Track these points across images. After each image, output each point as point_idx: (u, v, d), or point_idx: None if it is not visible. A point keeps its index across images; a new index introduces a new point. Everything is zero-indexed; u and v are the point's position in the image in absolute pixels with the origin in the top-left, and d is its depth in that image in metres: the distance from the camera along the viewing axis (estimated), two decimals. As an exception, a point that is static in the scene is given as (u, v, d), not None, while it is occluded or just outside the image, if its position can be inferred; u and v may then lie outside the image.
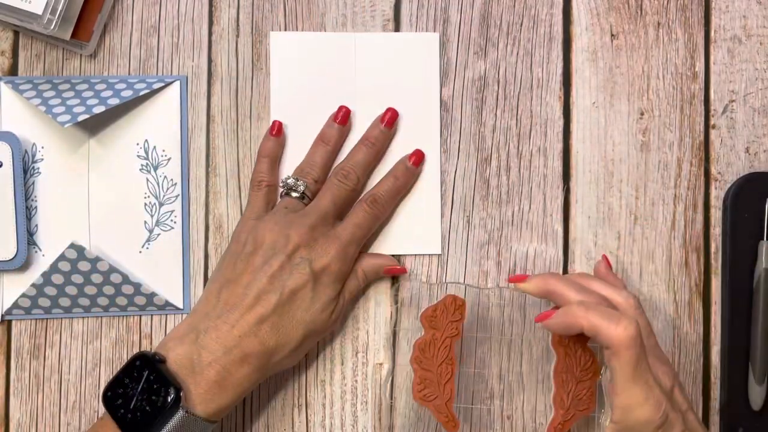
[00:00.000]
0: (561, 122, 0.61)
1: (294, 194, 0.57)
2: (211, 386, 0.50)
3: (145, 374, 0.49)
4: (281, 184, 0.58)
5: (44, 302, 0.58)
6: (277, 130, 0.58)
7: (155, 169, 0.59)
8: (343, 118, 0.58)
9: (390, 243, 0.59)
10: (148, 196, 0.59)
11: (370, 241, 0.59)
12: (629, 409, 0.48)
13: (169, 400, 0.48)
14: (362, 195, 0.58)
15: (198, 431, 0.49)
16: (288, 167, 0.59)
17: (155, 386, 0.48)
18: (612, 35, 0.61)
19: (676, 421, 0.49)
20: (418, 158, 0.58)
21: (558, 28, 0.61)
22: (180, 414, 0.48)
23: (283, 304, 0.52)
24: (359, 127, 0.59)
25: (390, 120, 0.58)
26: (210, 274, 0.59)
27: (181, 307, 0.59)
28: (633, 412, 0.48)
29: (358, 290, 0.57)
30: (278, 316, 0.52)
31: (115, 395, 0.50)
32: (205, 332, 0.51)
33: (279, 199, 0.58)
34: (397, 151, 0.59)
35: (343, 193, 0.56)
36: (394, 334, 0.60)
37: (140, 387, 0.49)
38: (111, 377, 0.51)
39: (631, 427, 0.48)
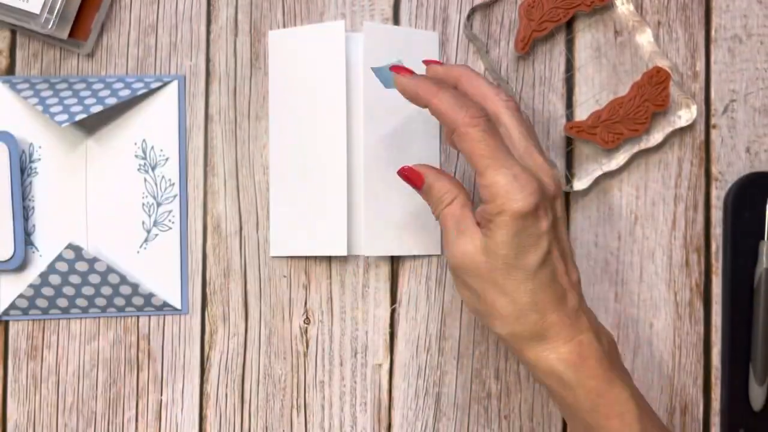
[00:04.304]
0: (563, 120, 0.60)
1: None
2: None
3: None
4: None
5: (42, 303, 0.57)
6: None
7: (153, 169, 0.59)
8: None
9: (390, 243, 0.59)
10: (146, 196, 0.59)
11: (369, 239, 0.59)
12: (491, 190, 0.44)
13: None
14: None
15: None
16: (287, 166, 0.59)
17: None
18: (616, 32, 0.61)
19: (545, 216, 0.45)
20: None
21: (560, 26, 0.60)
22: None
23: None
24: (358, 124, 0.59)
25: None
26: (208, 274, 0.59)
27: (179, 307, 0.59)
28: (496, 195, 0.44)
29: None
30: None
31: None
32: None
33: None
34: (399, 151, 0.59)
35: None
36: (393, 334, 0.60)
37: None
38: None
39: (498, 211, 0.45)
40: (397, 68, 0.50)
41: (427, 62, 0.52)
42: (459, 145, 0.46)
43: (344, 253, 0.58)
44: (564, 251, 0.47)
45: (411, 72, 0.49)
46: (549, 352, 0.46)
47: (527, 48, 0.59)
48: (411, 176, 0.50)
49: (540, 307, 0.45)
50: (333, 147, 0.58)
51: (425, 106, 0.48)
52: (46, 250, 0.58)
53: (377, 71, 0.53)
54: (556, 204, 0.47)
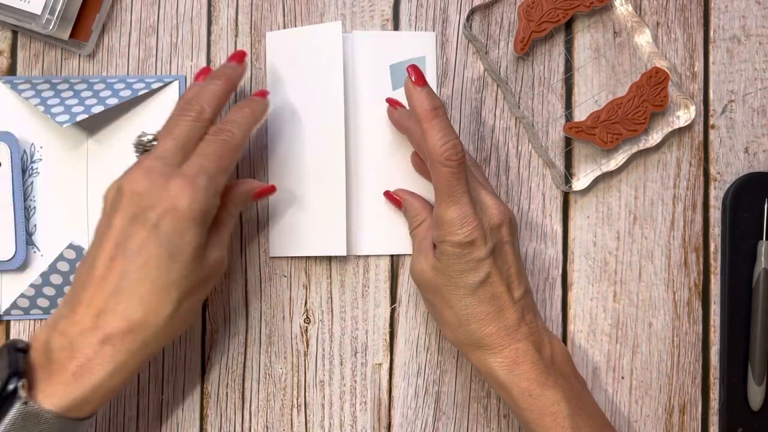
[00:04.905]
0: (562, 121, 0.60)
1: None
2: (65, 375, 0.45)
3: (1, 364, 0.45)
4: (133, 145, 0.51)
5: (43, 303, 0.58)
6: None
7: (154, 169, 0.59)
8: (204, 76, 0.53)
9: (389, 243, 0.59)
10: (147, 196, 0.59)
11: (369, 239, 0.59)
12: (439, 220, 0.51)
13: (8, 389, 0.43)
14: None
15: (50, 427, 0.44)
16: (286, 167, 0.59)
17: (3, 376, 0.44)
18: (614, 32, 0.61)
19: (484, 246, 0.51)
20: (262, 93, 0.54)
21: (560, 27, 0.60)
22: (17, 406, 0.43)
23: (135, 269, 0.45)
24: (358, 126, 0.59)
25: (239, 58, 0.54)
26: (209, 274, 0.59)
27: (179, 307, 0.59)
28: (442, 225, 0.51)
29: (233, 227, 0.53)
30: (134, 282, 0.45)
31: None
32: (64, 316, 0.46)
33: None
34: (397, 150, 0.59)
35: (184, 125, 0.48)
36: (393, 334, 0.60)
37: None
38: None
39: (441, 240, 0.51)
40: (413, 71, 0.52)
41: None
42: (430, 171, 0.51)
43: (344, 253, 0.58)
44: (507, 273, 0.52)
45: (423, 81, 0.52)
46: (487, 357, 0.52)
47: (526, 49, 0.59)
48: (391, 200, 0.59)
49: (478, 319, 0.51)
50: (332, 147, 0.58)
51: (416, 122, 0.52)
52: (48, 249, 0.58)
53: (394, 68, 0.57)
54: (501, 231, 0.52)
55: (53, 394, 0.45)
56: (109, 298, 0.45)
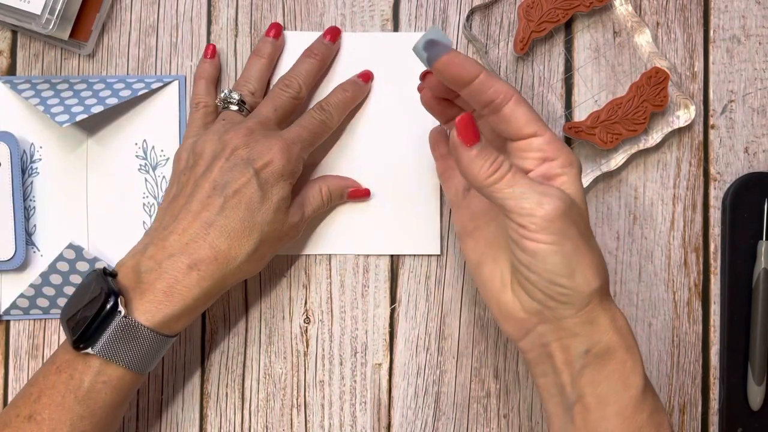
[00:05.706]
0: (562, 121, 0.60)
1: (232, 107, 0.56)
2: (156, 294, 0.49)
3: (92, 287, 0.49)
4: (218, 101, 0.57)
5: (42, 302, 0.58)
6: (212, 53, 0.59)
7: (154, 169, 0.59)
8: (276, 32, 0.58)
9: (388, 243, 0.59)
10: (147, 196, 0.59)
11: (369, 239, 0.59)
12: (557, 149, 0.46)
13: (108, 307, 0.48)
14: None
15: (145, 340, 0.49)
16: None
17: (100, 297, 0.48)
18: (614, 32, 0.61)
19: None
20: (366, 76, 0.59)
21: (559, 27, 0.60)
22: (118, 319, 0.48)
23: (230, 207, 0.51)
24: (359, 127, 0.59)
25: (333, 35, 0.59)
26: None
27: (179, 307, 0.59)
28: (563, 152, 0.46)
29: (320, 208, 0.57)
30: (226, 218, 0.51)
31: (69, 310, 0.50)
32: (153, 243, 0.51)
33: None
34: (399, 152, 0.59)
35: (284, 100, 0.56)
36: (392, 334, 0.60)
37: (87, 299, 0.49)
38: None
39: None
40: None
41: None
42: (513, 114, 0.45)
43: (344, 252, 0.58)
44: None
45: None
46: (616, 310, 0.46)
47: (526, 49, 0.59)
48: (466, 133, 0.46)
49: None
50: (334, 147, 0.59)
51: (468, 81, 0.45)
52: (47, 249, 0.58)
53: (419, 48, 0.46)
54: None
55: (147, 311, 0.49)
56: (201, 229, 0.50)
